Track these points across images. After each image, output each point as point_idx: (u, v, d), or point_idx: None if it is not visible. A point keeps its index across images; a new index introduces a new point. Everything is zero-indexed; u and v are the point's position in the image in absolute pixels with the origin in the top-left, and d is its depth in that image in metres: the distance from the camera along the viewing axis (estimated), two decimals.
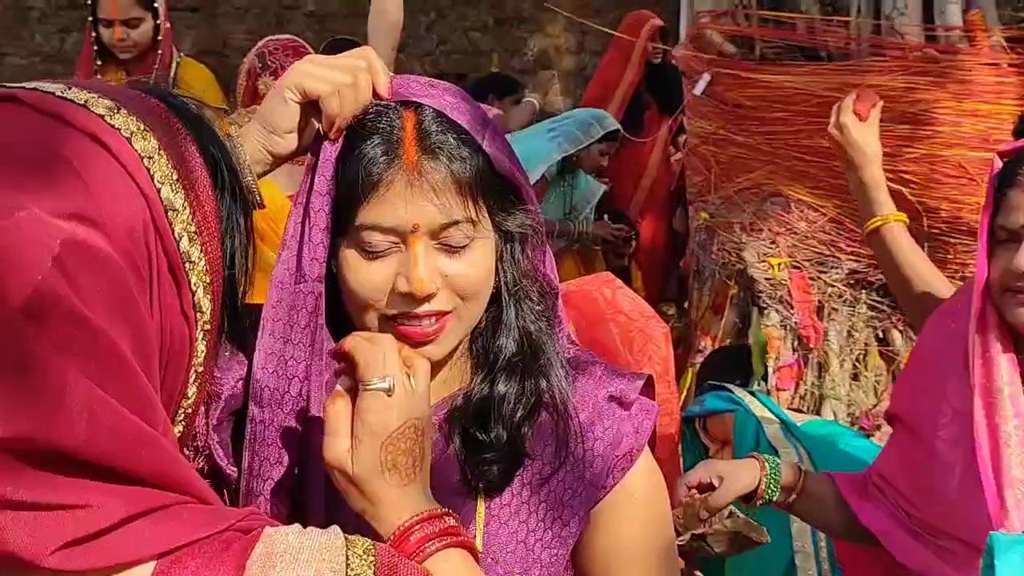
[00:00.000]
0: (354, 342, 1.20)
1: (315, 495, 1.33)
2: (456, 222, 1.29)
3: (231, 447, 1.35)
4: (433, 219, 1.29)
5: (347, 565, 0.90)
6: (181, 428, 0.98)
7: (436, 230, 1.30)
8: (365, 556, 0.93)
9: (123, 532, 0.83)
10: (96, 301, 0.81)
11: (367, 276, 1.31)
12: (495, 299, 1.40)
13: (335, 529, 0.96)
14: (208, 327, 0.94)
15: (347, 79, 1.29)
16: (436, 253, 1.31)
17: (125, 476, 0.83)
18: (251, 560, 0.87)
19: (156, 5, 4.20)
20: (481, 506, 1.37)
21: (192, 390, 0.96)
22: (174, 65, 4.24)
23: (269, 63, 3.81)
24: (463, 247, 1.31)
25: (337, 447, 1.16)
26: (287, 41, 4.09)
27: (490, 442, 1.36)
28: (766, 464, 2.19)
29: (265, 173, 1.36)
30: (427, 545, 1.14)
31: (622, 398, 1.44)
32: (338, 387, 1.20)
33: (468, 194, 1.29)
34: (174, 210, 0.89)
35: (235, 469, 1.33)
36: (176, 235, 0.89)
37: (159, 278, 0.88)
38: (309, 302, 1.31)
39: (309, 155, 1.34)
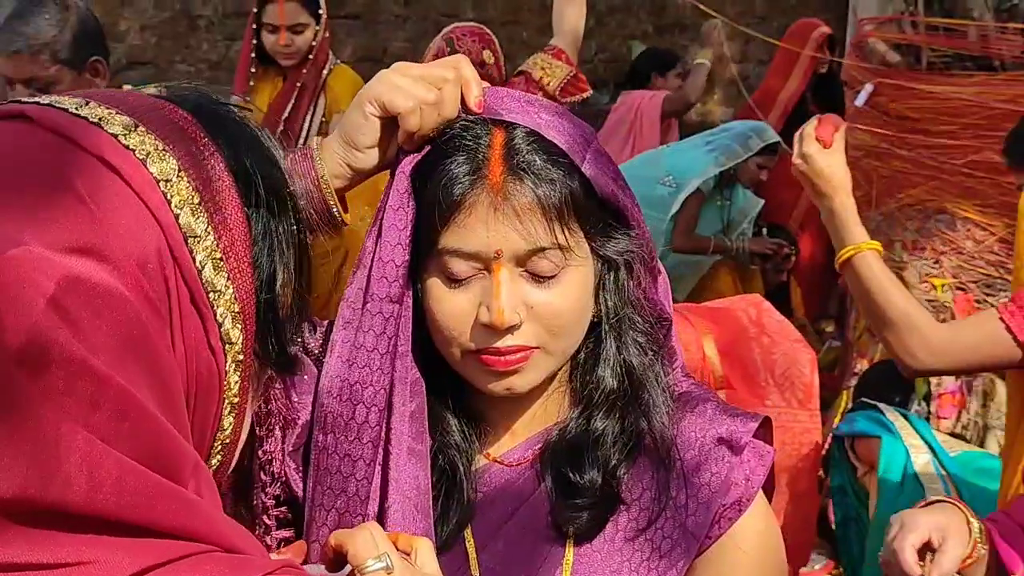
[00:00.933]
0: (336, 535, 1.06)
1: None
2: (542, 249, 1.20)
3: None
4: (517, 245, 1.19)
5: None
6: (218, 460, 0.92)
7: (521, 257, 1.20)
8: None
9: None
10: (101, 343, 0.75)
11: (448, 305, 1.22)
12: (596, 329, 1.30)
13: None
14: (240, 357, 0.87)
15: (430, 95, 1.21)
16: (522, 282, 1.22)
17: (138, 529, 0.77)
18: None
19: (320, 12, 4.24)
20: (570, 552, 1.26)
21: (228, 421, 0.90)
22: (326, 71, 4.26)
23: (457, 47, 3.93)
24: (552, 276, 1.22)
25: None
26: (473, 27, 4.16)
27: (583, 485, 1.26)
28: (972, 522, 1.83)
29: (347, 188, 1.29)
30: None
31: (732, 441, 1.31)
32: None
33: (557, 219, 1.19)
34: (195, 237, 0.82)
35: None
36: (198, 264, 0.82)
37: (181, 311, 0.82)
38: (377, 323, 1.23)
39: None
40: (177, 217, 0.80)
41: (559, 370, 1.30)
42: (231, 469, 0.97)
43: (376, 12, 6.79)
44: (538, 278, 1.21)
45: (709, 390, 1.40)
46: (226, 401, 0.87)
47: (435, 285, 1.23)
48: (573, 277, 1.23)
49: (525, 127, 1.21)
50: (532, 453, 1.30)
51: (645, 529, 1.27)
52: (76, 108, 0.81)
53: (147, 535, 0.77)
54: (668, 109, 5.88)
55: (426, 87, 1.21)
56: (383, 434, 1.24)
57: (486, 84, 1.26)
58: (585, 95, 3.92)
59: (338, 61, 4.42)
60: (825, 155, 2.26)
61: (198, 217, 0.82)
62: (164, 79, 6.67)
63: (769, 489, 1.40)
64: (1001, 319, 2.21)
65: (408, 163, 1.24)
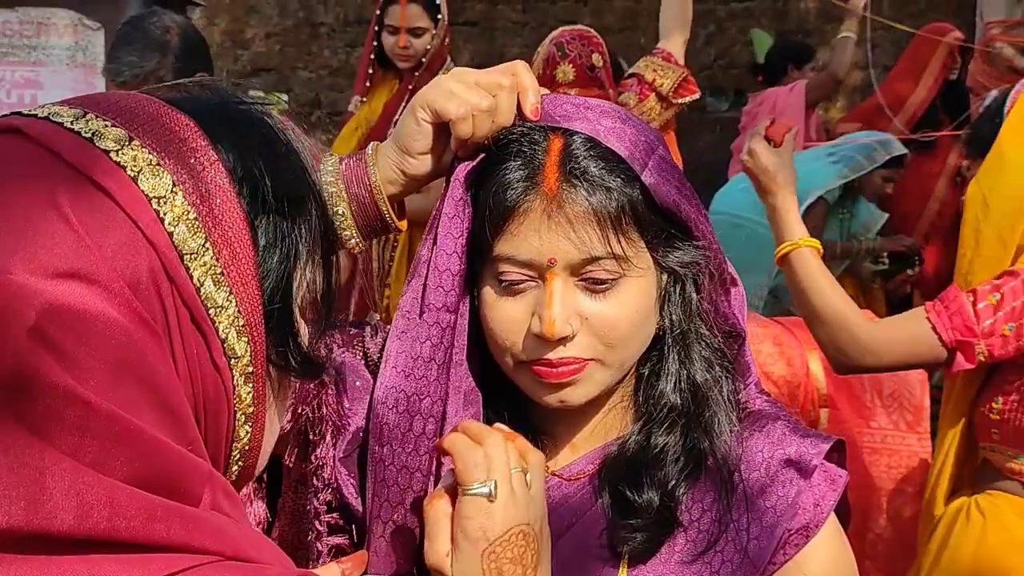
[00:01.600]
0: (452, 441, 1.07)
1: None
2: (596, 258, 1.16)
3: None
4: (570, 254, 1.16)
5: None
6: (239, 467, 0.91)
7: (575, 266, 1.16)
8: None
9: None
10: (89, 368, 0.74)
11: (501, 313, 1.19)
12: (661, 342, 1.25)
13: None
14: (250, 370, 0.85)
15: (484, 102, 1.18)
16: (576, 291, 1.18)
17: (136, 546, 0.76)
18: None
19: (439, 17, 4.26)
20: (623, 572, 1.22)
21: (244, 431, 0.88)
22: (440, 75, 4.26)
23: (568, 51, 3.94)
24: (608, 286, 1.17)
25: (437, 550, 1.05)
26: (582, 31, 4.16)
27: (639, 505, 1.21)
28: None
29: (402, 194, 1.27)
30: None
31: (801, 463, 1.25)
32: (440, 486, 1.09)
33: (613, 228, 1.15)
34: (191, 254, 0.80)
35: (362, 504, 1.25)
36: (196, 280, 0.80)
37: (181, 330, 0.80)
38: (433, 334, 1.21)
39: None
40: (171, 235, 0.79)
41: (621, 383, 1.26)
42: (260, 473, 0.95)
43: (494, 19, 6.80)
44: (594, 288, 1.18)
45: (783, 409, 1.33)
46: (239, 412, 0.86)
47: (489, 293, 1.20)
48: (631, 288, 1.18)
49: (584, 134, 1.17)
50: (591, 468, 1.26)
51: (704, 552, 1.22)
52: (72, 121, 0.80)
53: (147, 551, 0.76)
54: (814, 97, 5.67)
55: (480, 93, 1.19)
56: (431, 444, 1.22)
57: (545, 90, 1.22)
58: (695, 96, 3.87)
59: (453, 66, 4.42)
60: (772, 153, 2.37)
61: (195, 233, 0.80)
62: (286, 85, 6.83)
63: (845, 516, 1.33)
64: (928, 318, 2.26)
65: (463, 170, 1.21)
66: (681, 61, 3.63)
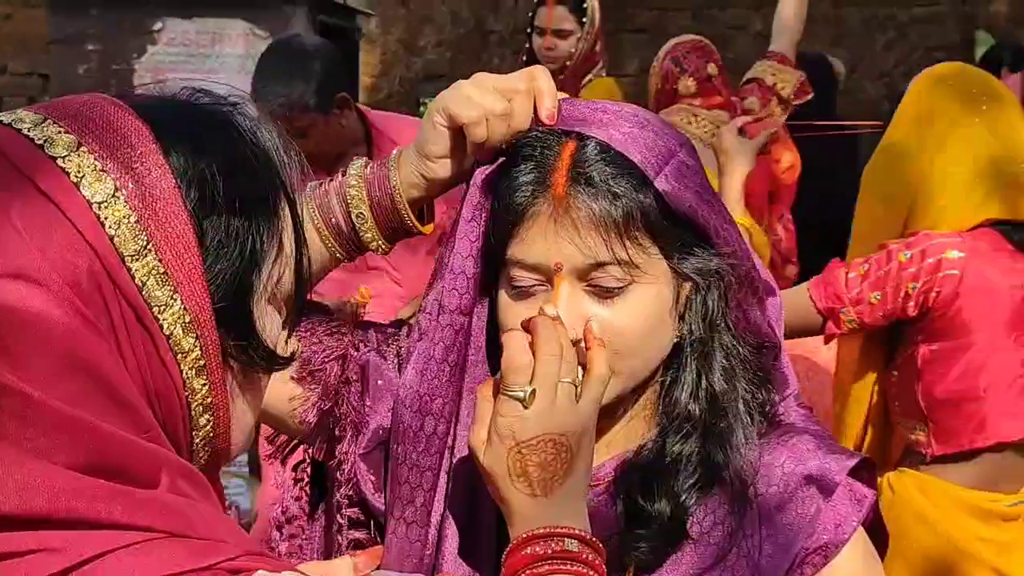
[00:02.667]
0: (508, 338, 1.12)
1: (450, 544, 1.24)
2: (602, 264, 1.15)
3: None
4: (576, 259, 1.15)
5: None
6: (207, 453, 0.94)
7: (582, 271, 1.16)
8: None
9: (91, 569, 0.81)
10: (30, 363, 0.80)
11: (512, 316, 1.19)
12: (683, 350, 1.23)
13: None
14: (202, 363, 0.88)
15: (498, 106, 1.19)
16: (584, 296, 1.18)
17: (82, 523, 0.81)
18: None
19: (585, 20, 4.28)
20: None
21: (204, 419, 0.91)
22: (586, 80, 4.28)
23: (685, 65, 3.96)
24: (615, 292, 1.17)
25: (476, 434, 1.11)
26: (695, 41, 4.14)
27: (650, 514, 1.19)
28: None
29: (425, 198, 1.29)
30: (537, 565, 1.08)
31: (823, 480, 1.21)
32: (499, 375, 1.12)
33: (619, 234, 1.14)
34: (132, 255, 0.84)
35: (382, 500, 1.28)
36: (138, 280, 0.84)
37: (127, 327, 0.84)
38: (447, 336, 1.22)
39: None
40: (112, 238, 0.83)
41: (644, 391, 1.24)
42: (232, 459, 0.99)
43: (663, 26, 6.74)
44: (602, 294, 1.17)
45: (817, 423, 1.29)
46: (195, 403, 0.89)
47: (503, 297, 1.21)
48: (641, 295, 1.17)
49: (597, 139, 1.16)
50: (610, 474, 1.25)
51: (712, 567, 1.19)
52: (30, 128, 0.85)
53: (91, 528, 0.81)
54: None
55: (495, 98, 1.19)
56: (444, 444, 1.24)
57: (563, 95, 1.22)
58: (809, 97, 3.76)
59: (603, 73, 4.43)
60: (738, 139, 2.70)
61: (136, 236, 0.84)
62: None
63: (881, 539, 1.27)
64: (807, 288, 2.51)
65: (481, 174, 1.23)
66: (793, 62, 3.60)
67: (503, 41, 6.83)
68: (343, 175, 1.28)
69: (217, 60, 4.78)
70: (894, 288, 2.40)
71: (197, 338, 0.87)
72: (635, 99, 4.48)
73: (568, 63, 4.23)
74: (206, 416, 0.91)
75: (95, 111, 0.87)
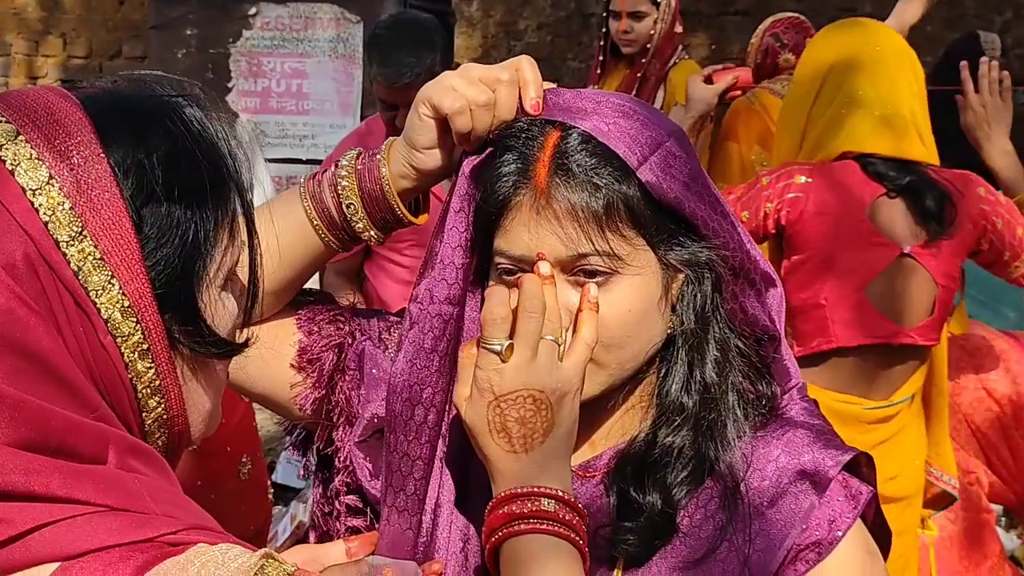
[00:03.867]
0: (490, 292, 1.14)
1: (443, 531, 1.23)
2: (583, 255, 1.13)
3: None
4: (558, 250, 1.14)
5: None
6: (163, 434, 0.96)
7: (565, 262, 1.14)
8: None
9: (28, 541, 0.84)
10: None
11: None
12: (673, 344, 1.20)
13: (265, 552, 0.88)
14: (145, 346, 0.90)
15: (481, 96, 1.17)
16: (568, 287, 1.15)
17: (20, 497, 0.83)
18: (154, 571, 0.84)
19: (659, 1, 4.21)
20: (617, 574, 1.18)
21: (154, 402, 0.93)
22: (671, 63, 4.22)
23: (785, 40, 4.09)
24: (599, 284, 1.14)
25: (460, 391, 1.13)
26: (792, 18, 4.14)
27: (639, 506, 1.17)
28: None
29: (416, 189, 1.28)
30: (513, 523, 1.09)
31: (816, 475, 1.17)
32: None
33: (599, 225, 1.12)
34: (67, 240, 0.86)
35: (378, 487, 1.28)
36: (74, 265, 0.86)
37: (65, 310, 0.87)
38: (436, 325, 1.21)
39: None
40: (46, 223, 0.85)
41: (635, 383, 1.22)
42: (191, 442, 1.00)
43: (767, 8, 6.59)
44: (584, 284, 1.14)
45: (818, 417, 1.25)
46: (140, 386, 0.91)
47: (491, 285, 1.20)
48: (625, 287, 1.15)
49: (580, 129, 1.14)
50: (605, 466, 1.23)
51: (702, 560, 1.16)
52: None
53: (29, 501, 0.84)
54: None
55: (478, 88, 1.18)
56: (435, 433, 1.23)
57: (549, 85, 1.19)
58: None
59: (686, 56, 4.37)
60: (701, 85, 3.24)
61: (73, 221, 0.86)
62: (556, 75, 6.93)
63: (884, 536, 1.23)
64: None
65: (469, 164, 1.21)
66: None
67: (603, 21, 6.76)
68: (336, 166, 1.28)
69: (309, 44, 4.85)
70: (755, 208, 2.68)
71: (138, 322, 0.89)
72: None
73: (648, 45, 4.18)
74: (155, 399, 0.93)
75: (39, 102, 0.89)
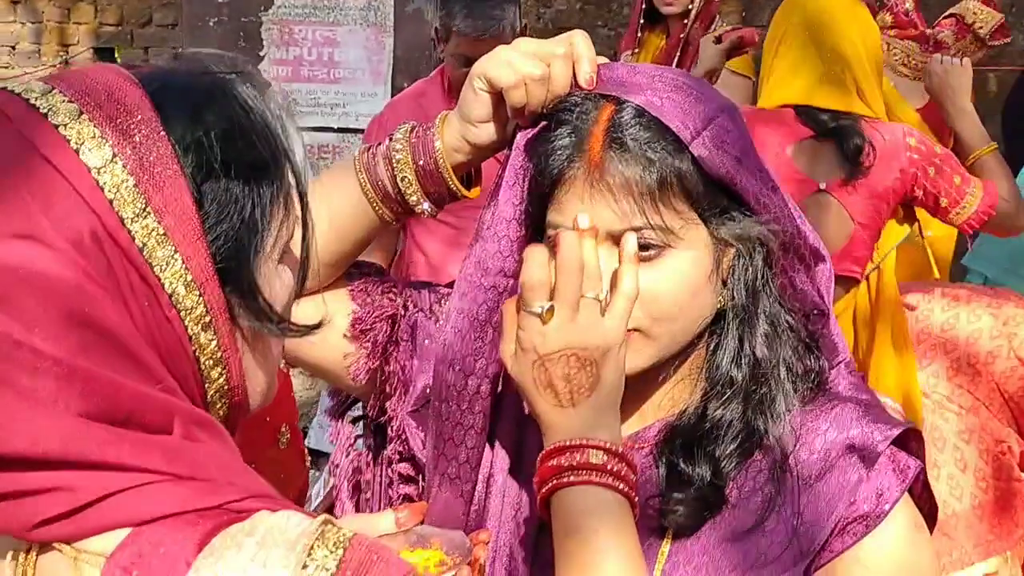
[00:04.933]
0: (528, 254, 1.13)
1: (495, 501, 1.26)
2: (636, 228, 1.14)
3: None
4: (611, 223, 1.15)
5: (309, 555, 0.87)
6: (224, 404, 0.98)
7: (617, 235, 1.16)
8: (335, 550, 0.88)
9: (101, 507, 0.87)
10: (35, 318, 0.85)
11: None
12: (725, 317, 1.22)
13: (325, 517, 0.91)
14: (207, 319, 0.92)
15: (536, 71, 1.19)
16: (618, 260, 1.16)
17: (93, 466, 0.86)
18: (222, 535, 0.87)
19: None
20: (667, 544, 1.20)
21: (216, 372, 0.95)
22: (712, 29, 4.21)
23: (885, 0, 4.05)
24: (652, 257, 1.15)
25: (505, 346, 1.15)
26: None
27: (689, 477, 1.19)
28: None
29: (470, 163, 1.29)
30: (562, 475, 1.11)
31: (865, 449, 1.19)
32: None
33: (653, 199, 1.14)
34: (132, 217, 0.88)
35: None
36: (139, 241, 0.89)
37: (131, 285, 0.89)
38: (490, 298, 1.23)
39: None
40: (111, 201, 0.88)
41: (685, 356, 1.24)
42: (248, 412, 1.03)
43: None
44: (639, 258, 1.16)
45: (866, 391, 1.27)
46: (204, 357, 0.94)
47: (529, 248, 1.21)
48: (677, 261, 1.16)
49: (634, 103, 1.15)
50: (655, 438, 1.25)
51: (751, 531, 1.19)
52: (36, 97, 0.90)
53: (102, 470, 0.87)
54: None
55: (533, 63, 1.19)
56: (488, 403, 1.25)
57: (603, 59, 1.21)
58: (1007, 40, 3.96)
59: (723, 24, 4.35)
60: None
61: (136, 198, 0.88)
62: None
63: (931, 512, 1.25)
64: None
65: (523, 138, 1.23)
66: (997, 3, 3.60)
67: None
68: (390, 139, 1.30)
69: (340, 12, 4.85)
70: None
71: (200, 295, 0.91)
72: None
73: (690, 6, 4.17)
74: (218, 369, 0.95)
75: (99, 82, 0.92)
